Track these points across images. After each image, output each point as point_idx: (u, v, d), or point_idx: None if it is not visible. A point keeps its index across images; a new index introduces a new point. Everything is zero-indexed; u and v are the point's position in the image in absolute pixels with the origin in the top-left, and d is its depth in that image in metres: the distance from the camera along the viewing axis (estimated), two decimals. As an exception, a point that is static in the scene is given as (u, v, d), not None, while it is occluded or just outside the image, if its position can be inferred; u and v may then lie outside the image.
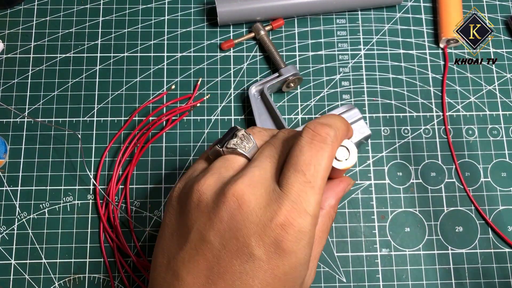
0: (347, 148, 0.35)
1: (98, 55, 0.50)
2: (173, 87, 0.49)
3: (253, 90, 0.47)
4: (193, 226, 0.28)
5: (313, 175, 0.27)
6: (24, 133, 0.47)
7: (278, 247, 0.26)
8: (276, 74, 0.47)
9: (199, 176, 0.30)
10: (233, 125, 0.31)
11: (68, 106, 0.48)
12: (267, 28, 0.50)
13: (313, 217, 0.27)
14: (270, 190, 0.28)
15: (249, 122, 0.48)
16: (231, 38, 0.50)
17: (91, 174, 0.46)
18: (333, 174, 0.34)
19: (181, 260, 0.28)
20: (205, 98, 0.48)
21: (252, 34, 0.50)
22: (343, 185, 0.33)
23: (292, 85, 0.48)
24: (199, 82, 0.49)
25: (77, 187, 0.46)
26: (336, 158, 0.34)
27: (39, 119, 0.47)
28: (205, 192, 0.28)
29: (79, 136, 0.46)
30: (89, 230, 0.44)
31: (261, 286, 0.27)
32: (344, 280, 0.44)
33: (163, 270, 0.29)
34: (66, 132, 0.47)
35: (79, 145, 0.46)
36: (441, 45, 0.50)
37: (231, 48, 0.50)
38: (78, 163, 0.46)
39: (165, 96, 0.48)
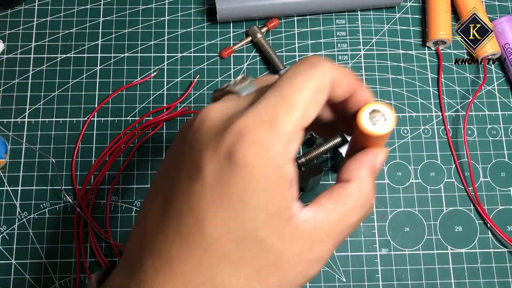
0: (380, 111, 0.25)
1: (99, 55, 0.50)
2: (157, 72, 0.49)
3: (253, 91, 0.47)
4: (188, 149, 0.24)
5: (291, 90, 0.23)
6: (25, 133, 0.47)
7: (230, 157, 0.21)
8: (276, 76, 0.47)
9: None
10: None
11: (69, 106, 0.48)
12: (263, 30, 0.50)
13: (280, 133, 0.22)
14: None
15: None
16: (231, 37, 0.51)
17: (91, 174, 0.46)
18: (368, 144, 0.26)
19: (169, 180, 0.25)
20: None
21: (249, 38, 0.50)
22: (369, 156, 0.25)
23: (292, 85, 0.48)
24: (195, 80, 0.49)
25: (76, 187, 0.46)
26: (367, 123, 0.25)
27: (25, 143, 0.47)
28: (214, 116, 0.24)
29: (54, 162, 0.46)
30: (89, 230, 0.45)
31: (210, 212, 0.22)
32: (344, 280, 0.44)
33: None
34: (66, 133, 0.47)
35: (56, 172, 0.46)
36: (432, 47, 0.50)
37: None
38: (78, 163, 0.46)
39: (165, 94, 0.48)
